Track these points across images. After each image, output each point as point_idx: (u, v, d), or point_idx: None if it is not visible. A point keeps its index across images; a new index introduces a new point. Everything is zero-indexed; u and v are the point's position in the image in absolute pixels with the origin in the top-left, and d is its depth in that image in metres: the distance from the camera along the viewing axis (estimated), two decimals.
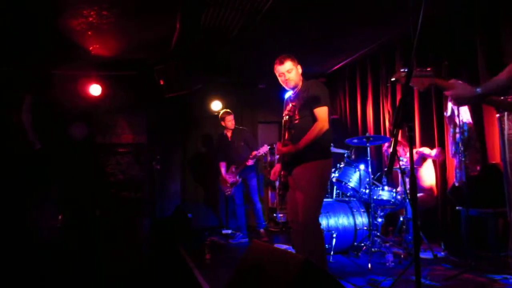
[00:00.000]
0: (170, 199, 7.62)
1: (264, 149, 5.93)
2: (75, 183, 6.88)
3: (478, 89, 1.98)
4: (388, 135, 6.05)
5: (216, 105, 7.79)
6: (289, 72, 3.46)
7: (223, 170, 6.34)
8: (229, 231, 6.80)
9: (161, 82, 6.85)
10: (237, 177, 6.23)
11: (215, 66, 7.32)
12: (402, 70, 2.15)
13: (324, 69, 7.82)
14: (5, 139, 6.49)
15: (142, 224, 6.98)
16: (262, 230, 6.34)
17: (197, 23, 5.37)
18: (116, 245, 5.98)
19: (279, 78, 3.55)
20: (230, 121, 6.34)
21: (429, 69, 2.16)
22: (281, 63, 3.47)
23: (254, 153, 5.95)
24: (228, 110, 6.44)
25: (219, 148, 6.53)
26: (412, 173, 1.81)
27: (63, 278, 4.32)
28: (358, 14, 5.19)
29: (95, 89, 7.13)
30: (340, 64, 7.52)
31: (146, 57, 6.78)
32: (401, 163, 4.98)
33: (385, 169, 5.51)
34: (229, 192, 6.31)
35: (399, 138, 5.30)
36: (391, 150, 1.86)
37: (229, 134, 6.41)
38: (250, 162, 6.10)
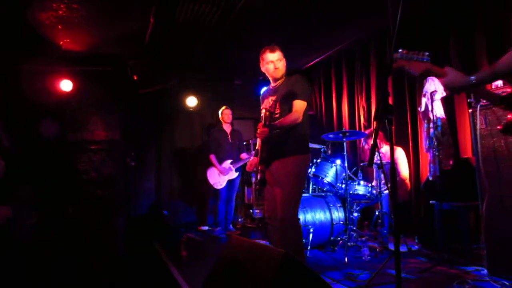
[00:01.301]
0: (145, 196, 7.50)
1: None
2: (47, 181, 6.69)
3: (472, 77, 1.97)
4: (363, 130, 6.12)
5: (191, 101, 7.72)
6: (279, 61, 3.45)
7: (216, 162, 6.32)
8: (206, 228, 6.77)
9: (135, 78, 6.74)
10: (235, 172, 6.32)
11: (191, 62, 7.25)
12: (399, 51, 2.11)
13: (299, 65, 7.84)
14: None
15: (116, 222, 6.85)
16: (230, 225, 6.45)
17: (171, 17, 5.29)
18: (90, 243, 5.85)
19: (266, 66, 3.49)
20: (226, 115, 6.47)
21: (426, 53, 2.12)
22: (273, 51, 3.43)
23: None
24: (227, 106, 6.60)
25: (214, 141, 6.47)
26: (392, 165, 1.82)
27: (37, 277, 4.20)
28: (333, 11, 5.22)
29: (66, 85, 6.95)
30: (315, 60, 7.55)
31: (120, 52, 6.65)
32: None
33: (361, 164, 5.56)
34: (222, 186, 6.29)
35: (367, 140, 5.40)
36: (371, 143, 1.85)
37: (228, 130, 6.48)
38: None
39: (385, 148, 5.38)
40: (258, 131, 3.24)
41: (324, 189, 5.41)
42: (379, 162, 4.81)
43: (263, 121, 3.25)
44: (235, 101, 7.95)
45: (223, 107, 6.56)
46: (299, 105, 3.32)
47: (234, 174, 6.34)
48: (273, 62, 3.44)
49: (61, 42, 6.08)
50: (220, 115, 6.54)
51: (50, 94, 6.92)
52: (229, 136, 6.46)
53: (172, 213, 6.49)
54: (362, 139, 5.65)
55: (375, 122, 1.89)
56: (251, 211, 7.33)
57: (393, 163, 1.84)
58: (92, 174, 7.39)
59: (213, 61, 7.35)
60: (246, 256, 2.38)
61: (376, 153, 5.19)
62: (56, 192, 6.73)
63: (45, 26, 5.44)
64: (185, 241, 4.65)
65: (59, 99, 7.04)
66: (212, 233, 6.21)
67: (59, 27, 5.51)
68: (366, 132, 5.52)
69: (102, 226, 6.64)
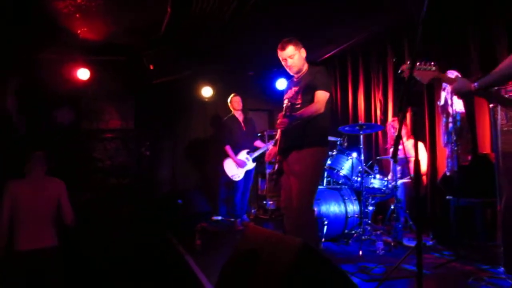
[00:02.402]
0: (159, 185, 7.56)
1: None
2: (61, 169, 6.75)
3: (475, 84, 2.15)
4: (379, 123, 6.07)
5: (206, 91, 7.73)
6: (291, 58, 3.45)
7: (233, 154, 6.08)
8: (219, 217, 6.76)
9: (151, 67, 6.75)
10: (252, 162, 6.18)
11: (205, 52, 7.24)
12: (408, 62, 2.25)
13: (315, 57, 7.77)
14: None
15: (130, 211, 6.90)
16: (245, 216, 6.41)
17: (188, 7, 5.28)
18: (104, 232, 5.90)
19: (282, 63, 3.54)
20: (236, 102, 6.29)
21: (432, 63, 2.28)
22: (283, 48, 3.43)
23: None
24: (235, 93, 6.43)
25: (227, 131, 6.23)
26: (417, 158, 1.80)
27: None
28: (349, 2, 5.17)
29: (83, 73, 6.99)
30: (331, 53, 7.49)
31: (136, 41, 6.66)
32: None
33: (377, 158, 5.52)
34: (240, 178, 6.09)
35: (395, 125, 5.33)
36: (396, 134, 1.85)
37: (240, 118, 6.30)
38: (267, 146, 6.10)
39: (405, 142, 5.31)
40: (278, 121, 3.24)
41: (340, 182, 5.37)
42: (402, 155, 4.74)
43: (283, 112, 3.25)
44: (250, 92, 7.93)
45: (232, 95, 6.35)
46: (321, 96, 3.31)
47: (251, 165, 6.17)
48: (286, 59, 3.47)
49: (79, 31, 6.11)
50: (229, 103, 6.32)
51: (67, 82, 6.97)
52: (242, 124, 6.26)
53: (186, 203, 6.50)
54: (388, 125, 5.57)
55: (400, 113, 1.90)
56: (264, 202, 7.33)
57: (417, 156, 1.82)
58: (107, 162, 7.46)
59: (228, 52, 7.33)
60: (263, 246, 2.37)
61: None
62: (71, 179, 6.78)
63: (63, 14, 5.47)
64: (199, 231, 4.67)
65: (75, 87, 7.09)
66: (234, 226, 6.12)
67: (77, 15, 5.53)
68: (390, 124, 5.43)
69: (116, 213, 6.69)
